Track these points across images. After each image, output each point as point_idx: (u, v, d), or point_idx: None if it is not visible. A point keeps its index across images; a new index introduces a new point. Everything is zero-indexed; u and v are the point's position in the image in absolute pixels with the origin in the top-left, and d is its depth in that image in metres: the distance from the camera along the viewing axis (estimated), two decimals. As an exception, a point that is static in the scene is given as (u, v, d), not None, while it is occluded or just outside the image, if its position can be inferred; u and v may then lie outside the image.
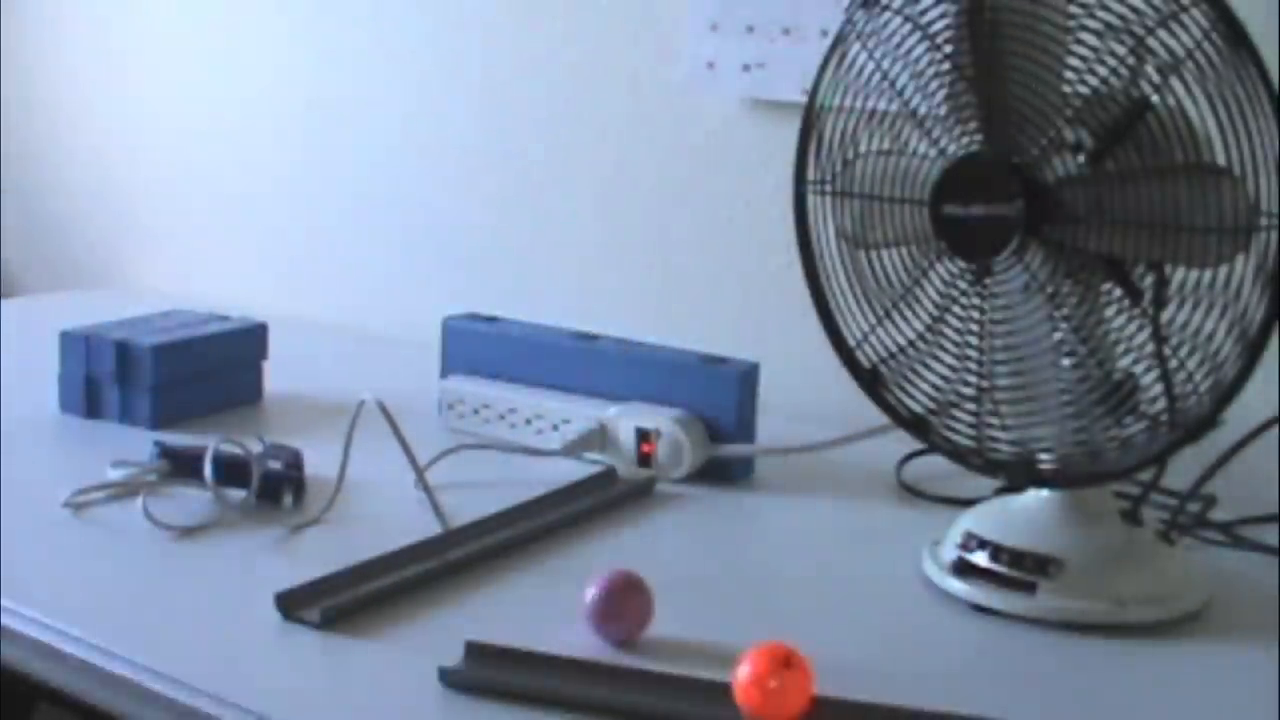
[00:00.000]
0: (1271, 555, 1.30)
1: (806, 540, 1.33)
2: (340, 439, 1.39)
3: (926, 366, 1.22)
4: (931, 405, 1.21)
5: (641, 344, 1.55)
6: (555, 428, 1.50)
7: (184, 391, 1.58)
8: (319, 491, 1.36)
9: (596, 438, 1.47)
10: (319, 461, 1.39)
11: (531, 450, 1.48)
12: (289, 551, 1.24)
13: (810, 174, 1.26)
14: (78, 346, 1.58)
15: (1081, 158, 1.12)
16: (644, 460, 1.45)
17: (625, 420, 1.46)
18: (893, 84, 1.20)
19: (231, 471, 1.33)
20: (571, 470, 1.44)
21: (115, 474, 1.37)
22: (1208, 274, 1.09)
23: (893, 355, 1.23)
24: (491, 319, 1.61)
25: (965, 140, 1.17)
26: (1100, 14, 1.10)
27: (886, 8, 1.19)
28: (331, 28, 2.07)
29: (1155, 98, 1.09)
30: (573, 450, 1.46)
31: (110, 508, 1.32)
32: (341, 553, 1.21)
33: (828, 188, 1.25)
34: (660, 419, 1.44)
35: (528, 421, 1.53)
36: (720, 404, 1.46)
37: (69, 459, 1.45)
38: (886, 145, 1.22)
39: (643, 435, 1.45)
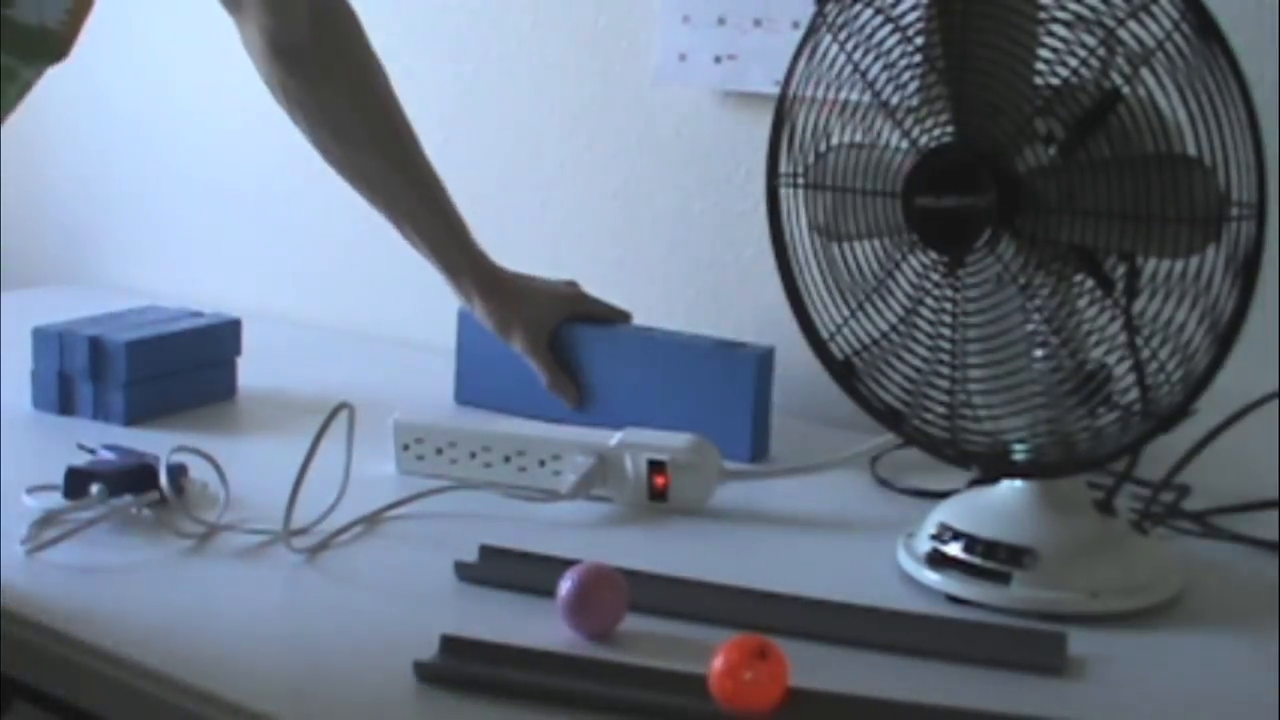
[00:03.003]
0: (1246, 544, 1.30)
1: (780, 532, 1.33)
2: (312, 437, 1.33)
3: (900, 359, 1.22)
4: (905, 397, 1.22)
5: (654, 330, 1.58)
6: (542, 464, 1.39)
7: (158, 388, 1.57)
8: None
9: (599, 474, 1.36)
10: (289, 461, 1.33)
11: (533, 493, 1.36)
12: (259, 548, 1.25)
13: (782, 166, 1.26)
14: (51, 343, 1.57)
15: (1053, 149, 1.12)
16: (657, 494, 1.35)
17: (631, 451, 1.35)
18: (864, 76, 1.20)
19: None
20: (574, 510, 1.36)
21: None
22: (1179, 264, 1.09)
23: (866, 347, 1.23)
24: None
25: (937, 132, 1.17)
26: (1070, 5, 1.10)
27: (858, 0, 1.19)
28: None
29: (1126, 88, 1.09)
30: (579, 491, 1.34)
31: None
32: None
33: (800, 180, 1.25)
34: (670, 446, 1.35)
35: (507, 459, 1.40)
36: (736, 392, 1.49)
37: (41, 457, 1.44)
38: (859, 137, 1.22)
39: (655, 467, 1.35)
